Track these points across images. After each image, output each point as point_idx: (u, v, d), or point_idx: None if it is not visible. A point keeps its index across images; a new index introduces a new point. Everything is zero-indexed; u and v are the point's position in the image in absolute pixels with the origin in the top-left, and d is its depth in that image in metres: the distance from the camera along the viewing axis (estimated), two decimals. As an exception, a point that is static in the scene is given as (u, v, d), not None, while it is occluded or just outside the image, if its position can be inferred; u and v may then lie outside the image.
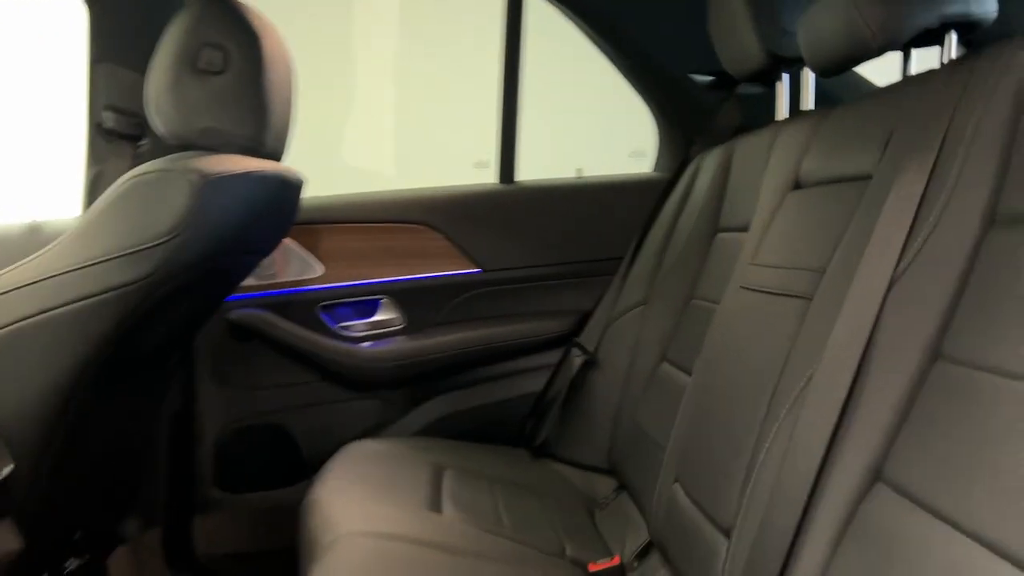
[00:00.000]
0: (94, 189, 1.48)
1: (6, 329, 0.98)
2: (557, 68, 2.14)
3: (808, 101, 1.36)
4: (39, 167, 1.76)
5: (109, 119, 1.46)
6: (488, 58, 1.79)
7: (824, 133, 1.05)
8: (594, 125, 2.59)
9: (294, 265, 1.64)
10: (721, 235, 1.33)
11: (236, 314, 1.56)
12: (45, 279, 0.99)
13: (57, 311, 0.98)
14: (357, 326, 1.66)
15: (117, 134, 1.47)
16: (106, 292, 0.98)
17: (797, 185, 1.07)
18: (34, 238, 1.43)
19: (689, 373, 1.19)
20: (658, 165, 1.90)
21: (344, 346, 1.62)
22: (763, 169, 1.17)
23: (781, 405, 0.83)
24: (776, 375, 0.87)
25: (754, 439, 0.87)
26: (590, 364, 1.59)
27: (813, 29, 1.03)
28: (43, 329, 0.98)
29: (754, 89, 1.52)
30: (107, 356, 1.03)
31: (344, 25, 2.54)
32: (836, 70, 1.02)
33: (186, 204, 0.99)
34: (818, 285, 0.86)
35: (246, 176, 1.08)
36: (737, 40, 1.32)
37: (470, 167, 2.12)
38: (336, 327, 1.64)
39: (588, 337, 1.64)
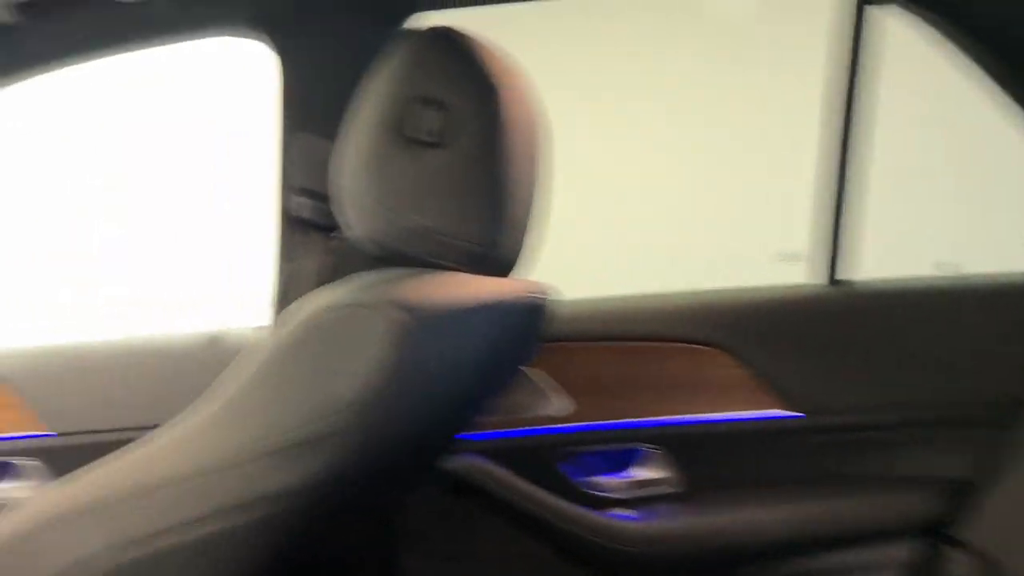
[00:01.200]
0: (287, 295, 1.22)
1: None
2: (903, 102, 1.63)
3: None
4: (225, 260, 1.54)
5: (303, 206, 1.19)
6: (789, 90, 1.40)
7: None
8: (964, 194, 2.00)
9: (529, 397, 1.27)
10: None
11: (458, 463, 1.22)
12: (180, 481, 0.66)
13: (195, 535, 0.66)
14: (609, 484, 1.28)
15: (311, 224, 1.20)
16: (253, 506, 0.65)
17: None
18: (214, 351, 1.29)
19: None
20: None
21: (591, 514, 1.25)
22: None
23: None
24: None
25: None
26: None
27: None
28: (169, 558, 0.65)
29: None
30: None
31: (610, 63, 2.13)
32: None
33: (381, 357, 0.64)
34: None
35: (482, 310, 0.75)
36: None
37: (770, 260, 1.70)
38: (580, 482, 1.27)
39: (975, 529, 1.16)
